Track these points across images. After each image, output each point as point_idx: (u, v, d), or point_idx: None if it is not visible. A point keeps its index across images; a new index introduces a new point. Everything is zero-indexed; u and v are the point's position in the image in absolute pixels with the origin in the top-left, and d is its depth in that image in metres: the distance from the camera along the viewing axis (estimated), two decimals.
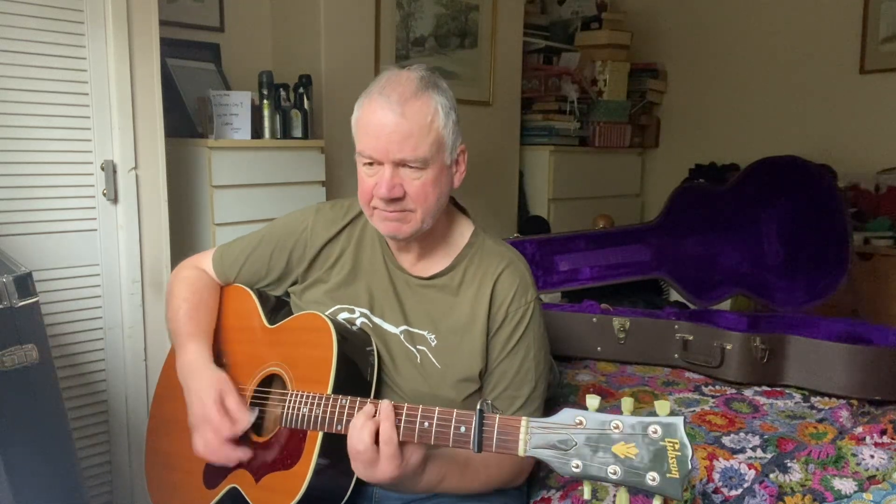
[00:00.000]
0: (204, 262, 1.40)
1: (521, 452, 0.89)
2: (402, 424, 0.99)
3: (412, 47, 3.03)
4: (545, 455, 0.87)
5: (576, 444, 0.85)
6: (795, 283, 2.17)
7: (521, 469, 1.22)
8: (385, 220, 1.17)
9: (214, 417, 1.14)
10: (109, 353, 1.80)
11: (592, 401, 0.86)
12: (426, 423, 0.97)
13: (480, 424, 0.93)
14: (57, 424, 1.22)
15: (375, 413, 1.00)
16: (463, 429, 0.94)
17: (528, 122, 3.63)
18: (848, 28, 3.45)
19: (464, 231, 1.29)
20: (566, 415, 0.87)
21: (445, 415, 0.96)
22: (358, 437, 0.98)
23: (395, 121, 1.11)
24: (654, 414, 0.84)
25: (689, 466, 0.80)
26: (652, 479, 0.81)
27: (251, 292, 1.36)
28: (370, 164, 1.15)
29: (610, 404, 1.56)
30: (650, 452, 0.82)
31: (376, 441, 0.99)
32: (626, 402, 0.85)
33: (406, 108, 1.11)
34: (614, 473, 0.82)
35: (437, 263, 1.26)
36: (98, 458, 1.81)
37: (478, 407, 0.94)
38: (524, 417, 0.91)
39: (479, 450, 0.92)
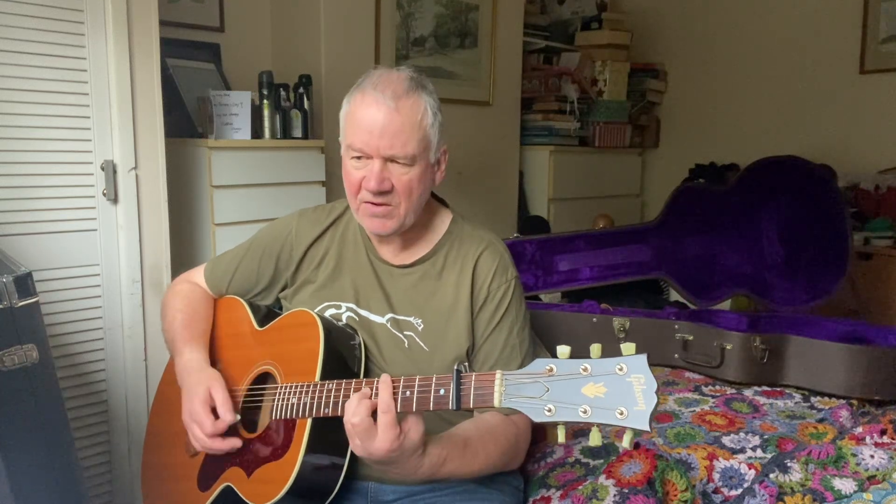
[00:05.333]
0: (196, 276, 1.44)
1: (497, 404, 0.91)
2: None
3: (412, 47, 3.03)
4: (520, 404, 0.89)
5: (548, 390, 0.87)
6: (795, 283, 2.17)
7: (518, 446, 1.23)
8: (371, 216, 1.21)
9: (199, 415, 1.18)
10: (109, 353, 1.80)
11: (563, 349, 0.89)
12: (407, 392, 0.99)
13: (458, 384, 0.95)
14: (57, 424, 1.22)
15: (371, 394, 1.01)
16: (442, 391, 0.97)
17: (528, 122, 3.63)
18: (848, 28, 3.45)
19: (444, 219, 1.32)
20: (538, 364, 0.90)
21: (425, 381, 0.99)
22: (353, 411, 0.99)
23: (389, 116, 1.14)
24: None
25: (656, 399, 0.82)
26: (620, 413, 0.82)
27: (242, 301, 1.38)
28: (358, 157, 1.19)
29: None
30: (618, 389, 0.84)
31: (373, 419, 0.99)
32: (595, 349, 0.88)
33: (399, 103, 1.15)
34: (584, 413, 0.84)
35: (418, 251, 1.29)
36: (98, 458, 1.81)
37: (455, 368, 0.97)
38: (499, 371, 0.93)
39: (458, 407, 0.95)
